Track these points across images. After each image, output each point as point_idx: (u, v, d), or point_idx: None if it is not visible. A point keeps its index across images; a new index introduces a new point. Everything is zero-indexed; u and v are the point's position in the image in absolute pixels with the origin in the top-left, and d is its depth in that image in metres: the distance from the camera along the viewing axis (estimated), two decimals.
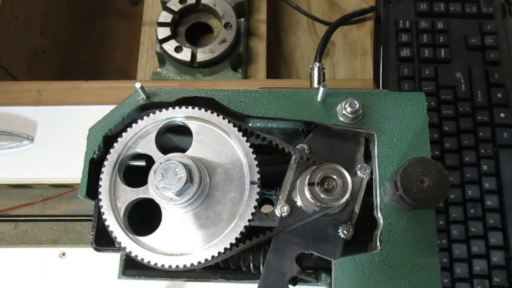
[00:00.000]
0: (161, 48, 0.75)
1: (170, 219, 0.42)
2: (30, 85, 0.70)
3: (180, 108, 0.45)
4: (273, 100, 0.45)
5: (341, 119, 0.44)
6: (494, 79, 0.63)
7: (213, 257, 0.40)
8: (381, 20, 0.70)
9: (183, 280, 0.45)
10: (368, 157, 0.45)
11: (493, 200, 0.58)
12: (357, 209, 0.43)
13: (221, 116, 0.44)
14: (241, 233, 0.41)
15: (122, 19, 1.03)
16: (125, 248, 0.41)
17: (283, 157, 0.45)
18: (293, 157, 0.43)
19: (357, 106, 0.43)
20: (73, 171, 0.58)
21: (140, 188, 0.43)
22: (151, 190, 0.40)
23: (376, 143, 0.44)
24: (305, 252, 0.42)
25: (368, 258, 0.41)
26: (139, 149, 0.44)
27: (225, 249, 0.40)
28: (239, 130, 0.44)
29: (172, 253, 0.41)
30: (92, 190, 0.44)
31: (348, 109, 0.43)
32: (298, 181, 0.43)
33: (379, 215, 0.42)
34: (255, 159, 0.43)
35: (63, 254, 0.61)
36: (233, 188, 0.42)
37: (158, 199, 0.41)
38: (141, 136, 0.45)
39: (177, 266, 0.40)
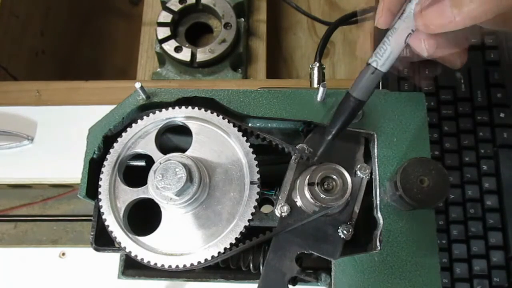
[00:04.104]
0: (161, 48, 0.75)
1: (170, 219, 0.42)
2: (30, 85, 0.70)
3: (180, 108, 0.45)
4: (273, 100, 0.45)
5: None
6: (494, 79, 0.63)
7: (213, 257, 0.40)
8: None
9: (183, 280, 0.46)
10: (368, 157, 0.45)
11: (493, 200, 0.58)
12: (357, 209, 0.43)
13: (221, 116, 0.44)
14: (241, 233, 0.41)
15: (122, 19, 1.03)
16: (125, 248, 0.41)
17: (283, 157, 0.45)
18: (293, 157, 0.43)
19: None
20: (73, 171, 0.58)
21: (140, 188, 0.43)
22: (151, 190, 0.40)
23: (375, 143, 0.44)
24: (305, 252, 0.42)
25: (368, 258, 0.41)
26: (139, 149, 0.44)
27: (225, 249, 0.40)
28: (239, 130, 0.44)
29: (172, 253, 0.41)
30: (92, 190, 0.44)
31: None
32: (298, 181, 0.43)
33: (379, 215, 0.42)
34: (255, 159, 0.43)
35: (63, 254, 0.61)
36: (233, 188, 0.42)
37: (158, 199, 0.41)
38: (141, 136, 0.45)
39: (177, 266, 0.40)
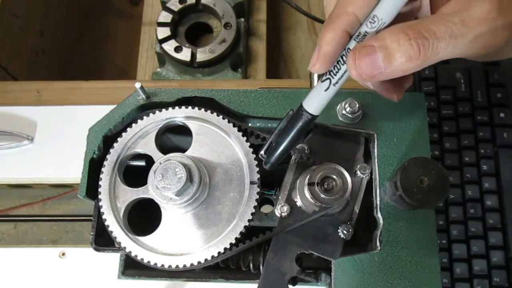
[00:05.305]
0: (161, 48, 0.75)
1: (170, 219, 0.42)
2: (30, 85, 0.70)
3: (180, 108, 0.45)
4: (273, 100, 0.45)
5: (341, 119, 0.44)
6: (494, 79, 0.63)
7: (213, 257, 0.40)
8: None
9: (183, 280, 0.46)
10: (368, 157, 0.45)
11: (493, 200, 0.58)
12: (357, 209, 0.43)
13: (221, 116, 0.44)
14: (241, 233, 0.41)
15: (122, 19, 1.03)
16: (125, 248, 0.41)
17: None
18: (293, 157, 0.43)
19: (357, 106, 0.43)
20: (73, 171, 0.58)
21: (140, 188, 0.43)
22: (151, 190, 0.40)
23: (375, 143, 0.44)
24: (305, 252, 0.42)
25: (368, 258, 0.41)
26: (139, 149, 0.44)
27: (225, 249, 0.40)
28: (239, 130, 0.44)
29: (172, 253, 0.41)
30: (92, 190, 0.44)
31: (348, 109, 0.43)
32: (298, 181, 0.43)
33: (379, 215, 0.42)
34: (255, 159, 0.43)
35: (63, 254, 0.61)
36: (233, 188, 0.42)
37: (158, 199, 0.41)
38: (141, 136, 0.45)
39: (177, 266, 0.40)
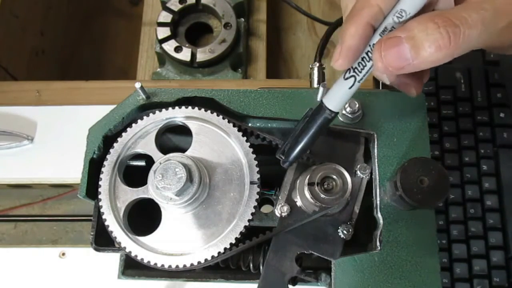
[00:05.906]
0: (161, 48, 0.75)
1: (170, 219, 0.42)
2: (30, 85, 0.70)
3: (180, 108, 0.45)
4: (273, 100, 0.45)
5: (341, 119, 0.44)
6: (494, 79, 0.63)
7: (213, 257, 0.40)
8: None
9: (183, 280, 0.46)
10: (368, 157, 0.45)
11: (492, 200, 0.58)
12: (357, 209, 0.43)
13: (221, 116, 0.44)
14: (241, 233, 0.41)
15: (122, 19, 1.03)
16: (125, 248, 0.41)
17: None
18: None
19: (357, 106, 0.43)
20: (73, 171, 0.58)
21: (140, 188, 0.43)
22: (151, 190, 0.40)
23: (376, 143, 0.44)
24: (305, 252, 0.42)
25: (368, 258, 0.41)
26: (139, 149, 0.44)
27: (225, 249, 0.40)
28: (239, 130, 0.44)
29: (172, 253, 0.41)
30: (92, 190, 0.44)
31: (348, 109, 0.43)
32: (298, 181, 0.43)
33: (379, 215, 0.42)
34: (255, 159, 0.43)
35: (63, 254, 0.61)
36: (233, 188, 0.42)
37: (158, 199, 0.41)
38: (141, 136, 0.45)
39: (177, 266, 0.40)
